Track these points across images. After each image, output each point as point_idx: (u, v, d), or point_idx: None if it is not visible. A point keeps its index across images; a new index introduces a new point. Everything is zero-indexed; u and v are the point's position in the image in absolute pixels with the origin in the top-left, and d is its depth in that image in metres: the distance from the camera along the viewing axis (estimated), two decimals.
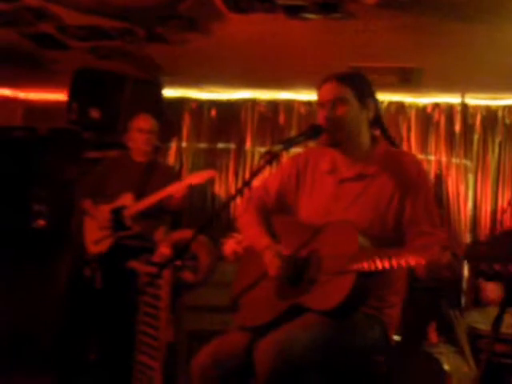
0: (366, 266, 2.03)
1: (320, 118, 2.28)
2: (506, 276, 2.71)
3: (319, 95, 2.30)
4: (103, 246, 3.92)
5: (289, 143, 2.25)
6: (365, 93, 2.30)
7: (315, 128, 2.27)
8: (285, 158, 2.41)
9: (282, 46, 4.12)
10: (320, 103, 2.29)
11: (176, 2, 3.57)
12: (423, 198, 2.23)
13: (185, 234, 3.39)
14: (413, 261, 1.96)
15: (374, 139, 2.35)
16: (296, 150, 2.48)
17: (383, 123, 2.39)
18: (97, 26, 3.95)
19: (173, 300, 3.30)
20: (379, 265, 2.01)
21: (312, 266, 2.19)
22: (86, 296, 3.94)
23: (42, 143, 4.98)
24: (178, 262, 2.81)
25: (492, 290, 3.83)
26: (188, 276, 3.31)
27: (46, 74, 4.96)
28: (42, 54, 4.50)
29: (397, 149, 2.41)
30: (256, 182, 2.41)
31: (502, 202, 4.76)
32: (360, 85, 2.30)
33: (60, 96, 5.06)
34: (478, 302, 4.29)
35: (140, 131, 4.00)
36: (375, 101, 2.34)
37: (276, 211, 2.44)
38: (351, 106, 2.26)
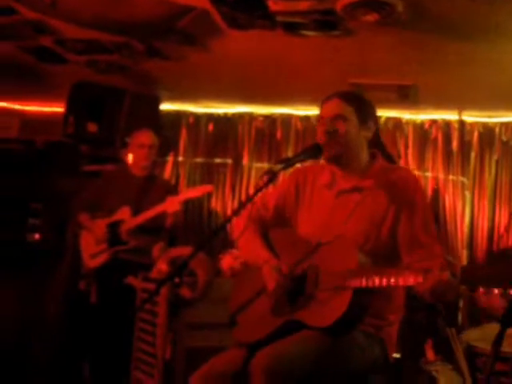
0: (363, 282, 2.04)
1: (319, 132, 2.32)
2: (506, 297, 2.72)
3: (321, 111, 2.34)
4: (99, 260, 3.90)
5: (288, 162, 2.27)
6: (366, 113, 2.34)
7: (315, 147, 2.29)
8: (282, 175, 2.44)
9: (280, 62, 4.13)
10: (320, 119, 2.33)
11: (175, 18, 3.57)
12: (420, 212, 2.25)
13: (183, 250, 3.37)
14: (411, 280, 1.96)
15: (372, 156, 2.38)
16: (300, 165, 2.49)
17: (382, 144, 2.42)
18: (95, 39, 3.95)
19: (170, 317, 3.28)
20: (377, 282, 2.01)
21: (310, 282, 2.19)
22: (82, 310, 3.92)
23: (39, 156, 4.95)
24: (176, 279, 2.79)
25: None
26: (186, 292, 3.29)
27: (43, 87, 4.95)
28: (39, 67, 4.49)
29: (394, 165, 2.44)
30: (257, 197, 2.42)
31: (499, 220, 4.77)
32: (362, 105, 2.34)
33: (57, 109, 5.05)
34: (474, 320, 4.28)
35: (141, 146, 4.00)
36: (375, 123, 2.38)
37: (274, 225, 2.46)
38: (351, 123, 2.29)
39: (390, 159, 2.44)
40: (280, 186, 2.51)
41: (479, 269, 2.02)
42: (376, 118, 2.40)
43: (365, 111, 2.33)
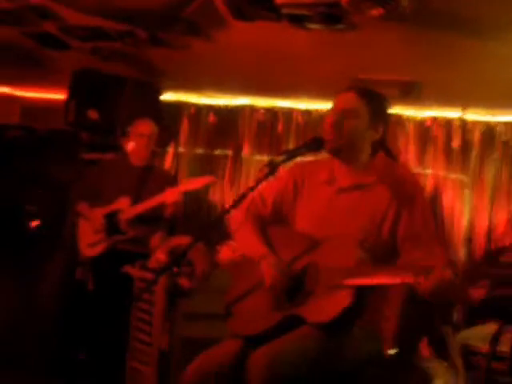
0: (364, 281, 2.03)
1: (326, 122, 2.27)
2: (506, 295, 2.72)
3: (335, 101, 2.29)
4: (97, 250, 3.89)
5: (290, 155, 2.26)
6: (379, 116, 2.29)
7: (317, 140, 2.27)
8: (282, 169, 2.42)
9: (283, 55, 4.12)
10: (332, 109, 2.29)
11: (180, 7, 3.56)
12: (420, 211, 2.23)
13: (181, 240, 3.37)
14: (411, 279, 1.95)
15: (373, 153, 2.34)
16: (300, 161, 2.48)
17: (387, 147, 2.39)
18: (99, 27, 3.94)
19: (167, 306, 3.28)
20: (378, 280, 2.00)
21: (309, 278, 2.18)
22: (78, 299, 3.92)
23: (39, 143, 4.95)
24: (175, 269, 2.80)
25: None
26: (184, 282, 3.30)
27: (45, 74, 4.93)
28: (42, 53, 4.48)
29: (394, 162, 2.42)
30: (256, 191, 2.41)
31: (498, 219, 4.76)
32: (378, 107, 2.30)
33: (58, 96, 5.03)
34: (470, 318, 4.29)
35: (140, 136, 3.99)
36: (385, 126, 2.33)
37: (272, 222, 2.43)
38: (361, 121, 2.26)
39: (391, 156, 2.41)
40: (278, 181, 2.46)
41: (480, 265, 2.02)
42: (387, 122, 2.35)
43: (379, 113, 2.29)
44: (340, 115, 2.25)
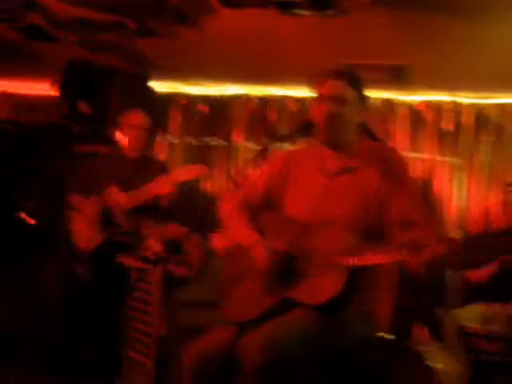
0: (359, 260, 2.04)
1: (318, 110, 2.28)
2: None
3: (323, 88, 2.29)
4: (93, 243, 3.88)
5: (281, 140, 2.27)
6: (363, 98, 2.32)
7: (307, 125, 2.29)
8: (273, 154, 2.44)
9: (273, 43, 4.11)
10: (322, 96, 2.28)
11: None
12: (410, 190, 2.26)
13: (176, 229, 3.38)
14: (406, 255, 1.97)
15: (359, 135, 2.37)
16: (288, 147, 2.49)
17: (368, 127, 2.41)
18: (87, 18, 3.91)
19: (164, 295, 3.29)
20: (371, 260, 2.02)
21: (302, 261, 2.20)
22: (77, 293, 3.91)
23: (30, 136, 4.93)
24: (170, 258, 2.81)
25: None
26: (179, 271, 3.30)
27: (34, 67, 4.90)
28: (29, 45, 4.45)
29: (380, 143, 2.43)
30: (246, 178, 2.42)
31: (492, 201, 4.79)
32: (362, 89, 2.32)
33: (49, 89, 5.00)
34: (464, 300, 4.31)
35: (133, 127, 3.97)
36: (367, 106, 2.37)
37: (262, 208, 2.44)
38: (352, 108, 2.28)
39: (374, 138, 2.44)
40: (268, 168, 2.48)
41: (478, 238, 2.03)
42: (367, 100, 2.37)
43: (363, 97, 2.32)
44: (333, 104, 2.25)
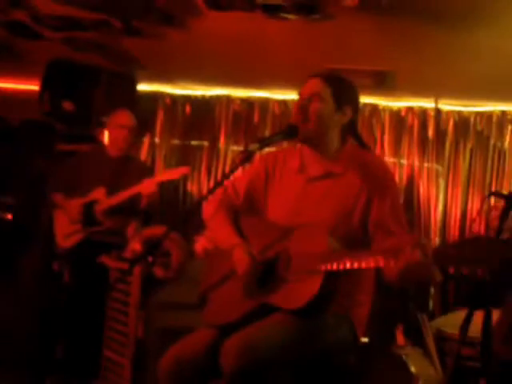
0: (335, 265, 2.04)
1: (294, 108, 2.32)
2: (474, 280, 2.75)
3: (301, 88, 2.32)
4: (73, 241, 3.87)
5: (265, 142, 2.27)
6: (344, 98, 2.31)
7: (291, 127, 2.28)
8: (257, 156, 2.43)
9: (258, 45, 4.12)
10: (299, 95, 2.32)
11: None
12: (390, 198, 2.24)
13: (156, 230, 3.36)
14: (381, 261, 1.97)
15: (343, 141, 2.36)
16: (270, 150, 2.48)
17: (357, 131, 2.41)
18: (73, 16, 3.89)
19: (143, 296, 3.28)
20: (348, 265, 2.02)
21: (281, 265, 2.20)
22: (55, 290, 3.89)
23: (13, 134, 4.89)
24: (150, 258, 2.80)
25: None
26: (159, 272, 3.29)
27: (18, 64, 4.86)
28: (14, 42, 4.41)
29: (364, 150, 2.42)
30: (229, 181, 2.41)
31: (472, 208, 4.83)
32: (342, 89, 2.31)
33: (32, 87, 4.97)
34: (446, 305, 4.34)
35: (119, 127, 3.97)
36: (355, 110, 2.34)
37: (244, 211, 2.44)
38: (326, 104, 2.27)
39: (362, 144, 2.42)
40: (250, 171, 2.48)
41: (450, 248, 2.03)
42: (356, 106, 2.35)
43: (343, 95, 2.30)
44: (306, 100, 2.27)
